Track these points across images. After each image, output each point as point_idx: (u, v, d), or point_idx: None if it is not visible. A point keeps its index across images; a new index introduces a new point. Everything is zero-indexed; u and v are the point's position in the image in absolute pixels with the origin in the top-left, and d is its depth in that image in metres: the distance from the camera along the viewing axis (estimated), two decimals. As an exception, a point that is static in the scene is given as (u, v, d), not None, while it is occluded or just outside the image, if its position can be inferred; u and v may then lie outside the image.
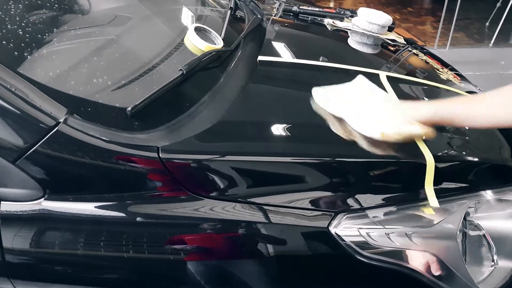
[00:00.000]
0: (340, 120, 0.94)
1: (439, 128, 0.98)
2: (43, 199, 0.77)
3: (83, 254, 0.78)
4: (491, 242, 0.89)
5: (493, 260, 0.88)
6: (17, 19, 0.88)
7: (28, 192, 0.77)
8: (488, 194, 0.92)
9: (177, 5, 1.42)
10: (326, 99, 0.98)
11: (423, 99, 1.17)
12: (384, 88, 1.10)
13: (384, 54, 1.48)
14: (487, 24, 4.66)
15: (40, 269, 0.82)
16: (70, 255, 0.79)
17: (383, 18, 1.52)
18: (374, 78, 1.17)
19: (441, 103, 0.92)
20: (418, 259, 0.82)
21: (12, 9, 0.89)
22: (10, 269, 0.79)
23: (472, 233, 0.89)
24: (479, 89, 1.39)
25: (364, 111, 0.93)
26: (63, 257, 0.80)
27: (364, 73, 1.21)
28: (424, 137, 0.88)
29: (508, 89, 0.81)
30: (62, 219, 0.78)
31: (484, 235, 0.89)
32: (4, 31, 0.83)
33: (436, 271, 0.82)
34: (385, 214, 0.84)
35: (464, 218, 0.87)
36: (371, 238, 0.81)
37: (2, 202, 0.77)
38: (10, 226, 0.78)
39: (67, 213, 0.78)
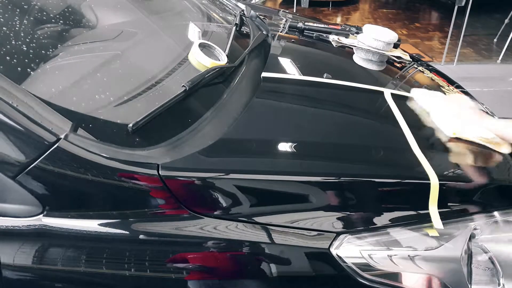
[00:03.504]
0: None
1: (442, 147, 0.97)
2: (42, 215, 0.77)
3: (82, 271, 0.77)
4: (497, 265, 0.87)
5: (499, 284, 0.86)
6: (22, 34, 0.88)
7: (28, 208, 0.76)
8: (495, 216, 0.90)
9: (183, 21, 1.43)
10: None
11: None
12: (388, 106, 1.10)
13: (389, 71, 1.47)
14: (495, 40, 4.67)
15: (38, 285, 0.81)
16: (69, 272, 0.78)
17: (388, 35, 1.52)
18: (379, 96, 1.17)
19: None
20: (421, 283, 0.80)
21: (18, 24, 0.90)
22: (8, 285, 0.78)
23: (477, 255, 0.87)
24: (485, 106, 1.38)
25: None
26: (61, 274, 0.79)
27: (369, 90, 1.21)
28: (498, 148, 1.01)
29: None
30: (61, 236, 0.77)
31: (490, 258, 0.87)
32: (8, 46, 0.84)
33: (439, 295, 0.80)
34: (388, 235, 0.82)
35: (470, 240, 0.85)
36: (373, 260, 0.80)
37: (1, 217, 0.76)
38: (8, 241, 0.77)
39: (66, 230, 0.77)
